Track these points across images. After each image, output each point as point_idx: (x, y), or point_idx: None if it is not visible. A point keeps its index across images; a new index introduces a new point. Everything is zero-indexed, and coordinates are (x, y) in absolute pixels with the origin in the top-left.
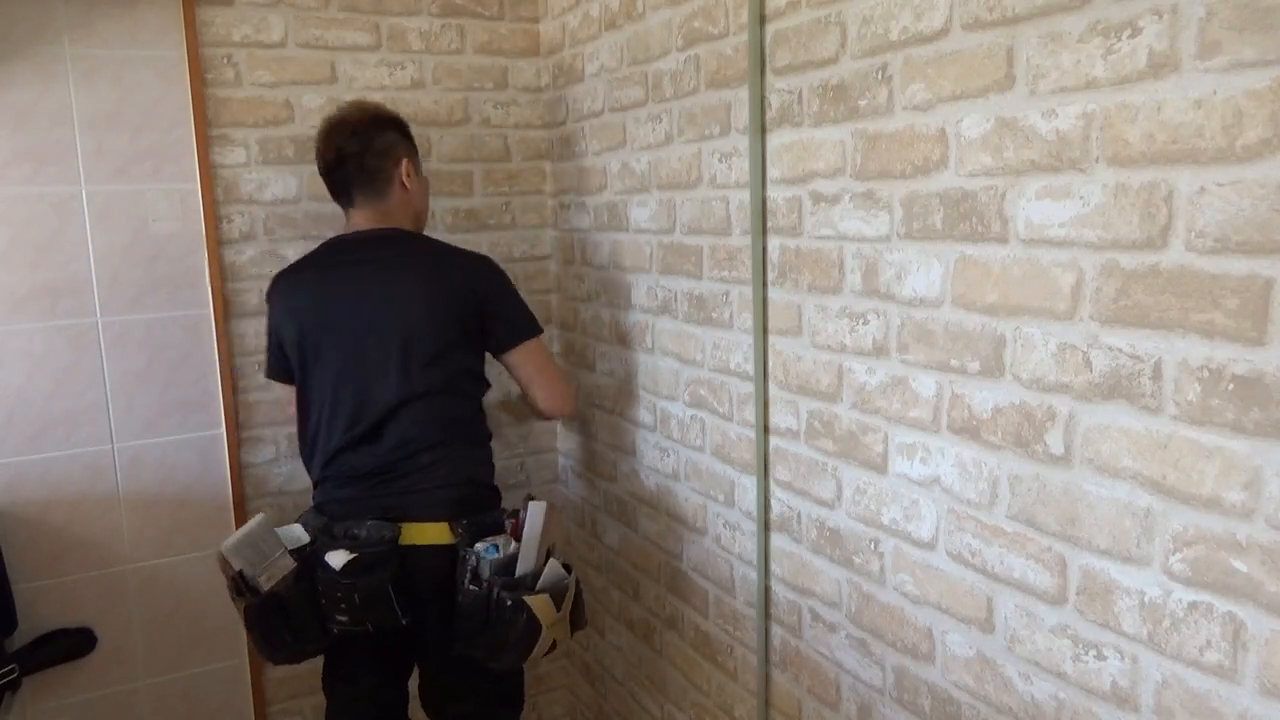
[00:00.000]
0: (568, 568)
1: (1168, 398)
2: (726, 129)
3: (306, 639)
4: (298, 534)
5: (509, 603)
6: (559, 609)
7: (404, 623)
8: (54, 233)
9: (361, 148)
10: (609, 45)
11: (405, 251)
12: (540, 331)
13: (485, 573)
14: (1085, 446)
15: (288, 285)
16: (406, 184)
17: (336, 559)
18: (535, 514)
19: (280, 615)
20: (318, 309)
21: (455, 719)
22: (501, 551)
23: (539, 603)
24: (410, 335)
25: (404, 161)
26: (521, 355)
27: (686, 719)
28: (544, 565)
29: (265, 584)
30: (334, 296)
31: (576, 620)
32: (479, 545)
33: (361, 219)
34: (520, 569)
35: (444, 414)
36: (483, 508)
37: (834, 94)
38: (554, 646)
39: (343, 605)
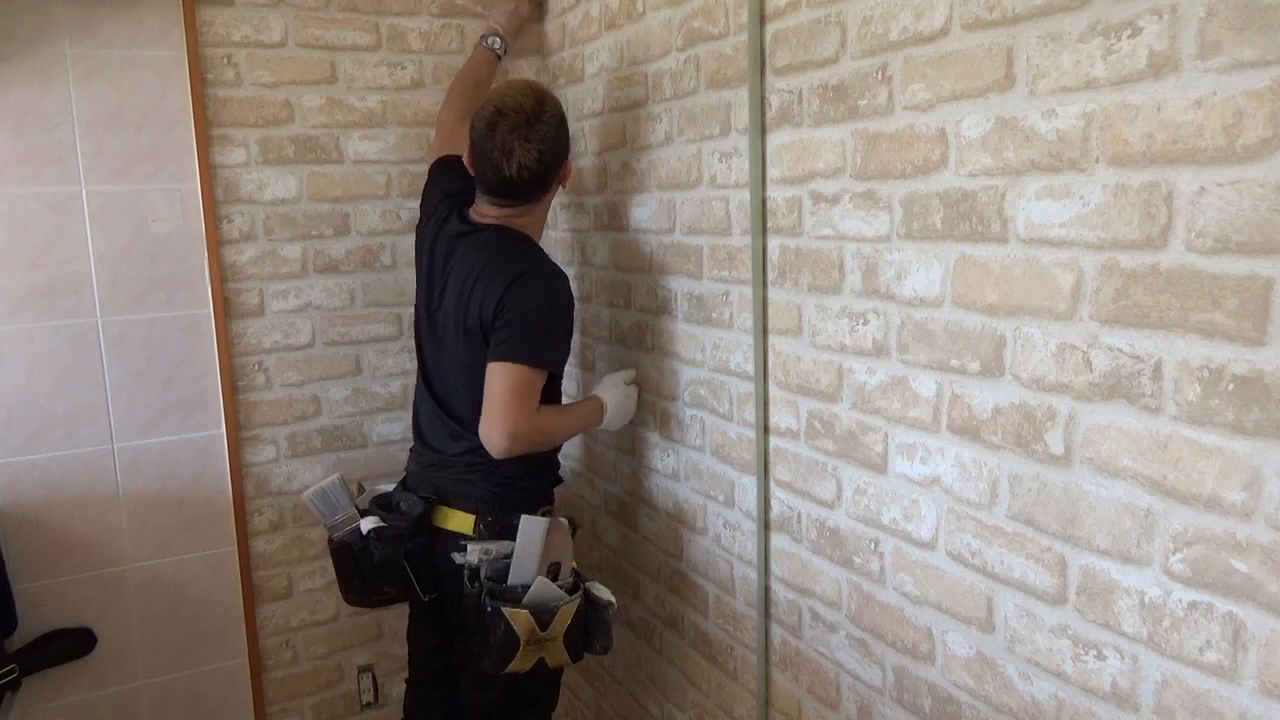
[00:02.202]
0: (589, 591)
1: (1168, 398)
2: (726, 129)
3: (372, 589)
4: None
5: (489, 609)
6: (543, 629)
7: (425, 599)
8: (54, 233)
9: (547, 160)
10: (609, 45)
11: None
12: (531, 364)
13: (484, 573)
14: (1085, 446)
15: (431, 225)
16: (562, 184)
17: (365, 524)
18: (527, 528)
19: (351, 562)
20: (431, 270)
21: (471, 708)
22: (488, 556)
23: (518, 617)
24: (469, 332)
25: (566, 167)
26: (492, 371)
27: (686, 719)
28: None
29: (333, 534)
30: (448, 267)
31: (588, 645)
32: (470, 544)
33: (503, 216)
34: (512, 579)
35: None
36: (515, 508)
37: (834, 94)
38: (542, 665)
39: (369, 570)
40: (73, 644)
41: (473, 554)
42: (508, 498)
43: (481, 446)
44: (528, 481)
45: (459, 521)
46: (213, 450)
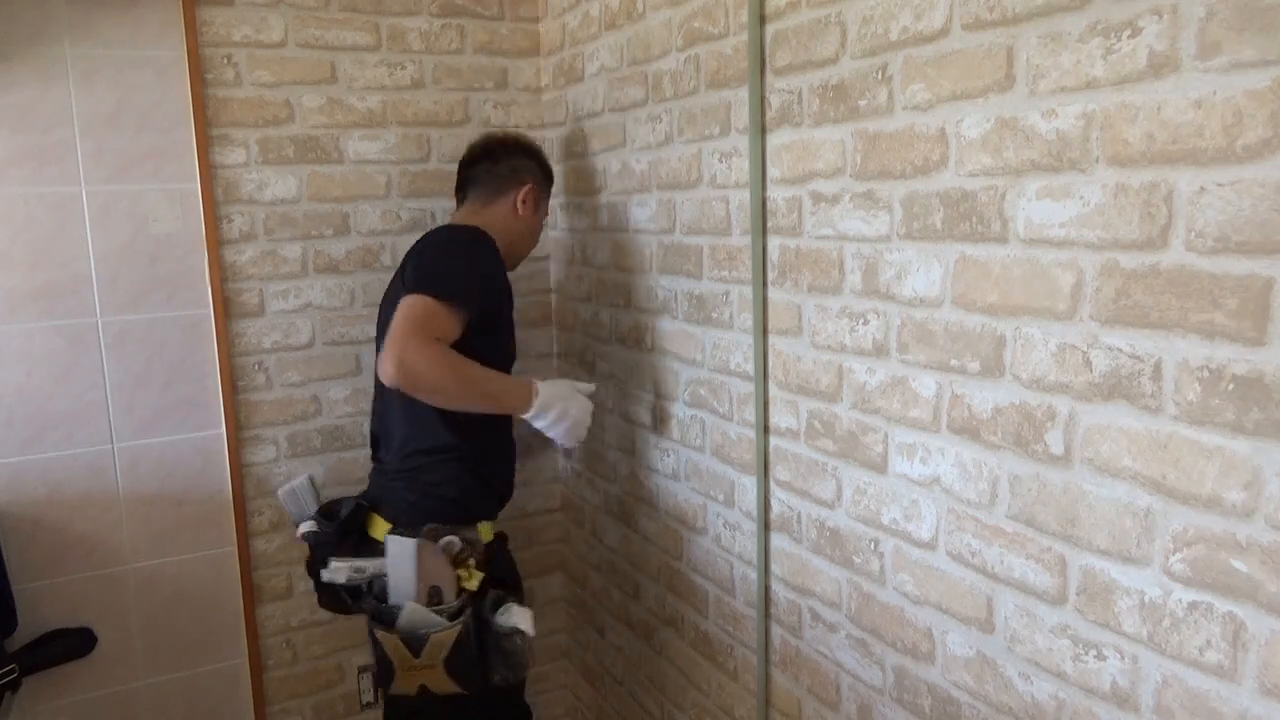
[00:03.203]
0: (492, 619)
1: (1168, 398)
2: (726, 129)
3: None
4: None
5: (369, 629)
6: (416, 655)
7: (351, 606)
8: (54, 233)
9: (500, 157)
10: (609, 45)
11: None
12: (435, 295)
13: (374, 589)
14: (1085, 446)
15: None
16: (519, 208)
17: (302, 528)
18: (393, 548)
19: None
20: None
21: None
22: (361, 574)
23: (389, 641)
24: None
25: (528, 187)
26: (401, 306)
27: (686, 719)
28: (421, 604)
29: (298, 533)
30: (392, 280)
31: (485, 675)
32: (334, 561)
33: (458, 218)
34: (391, 600)
35: (419, 417)
36: (433, 519)
37: (834, 94)
38: (424, 692)
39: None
40: (73, 644)
41: (339, 572)
42: (425, 507)
43: (414, 452)
44: (452, 490)
45: (381, 530)
46: (213, 450)
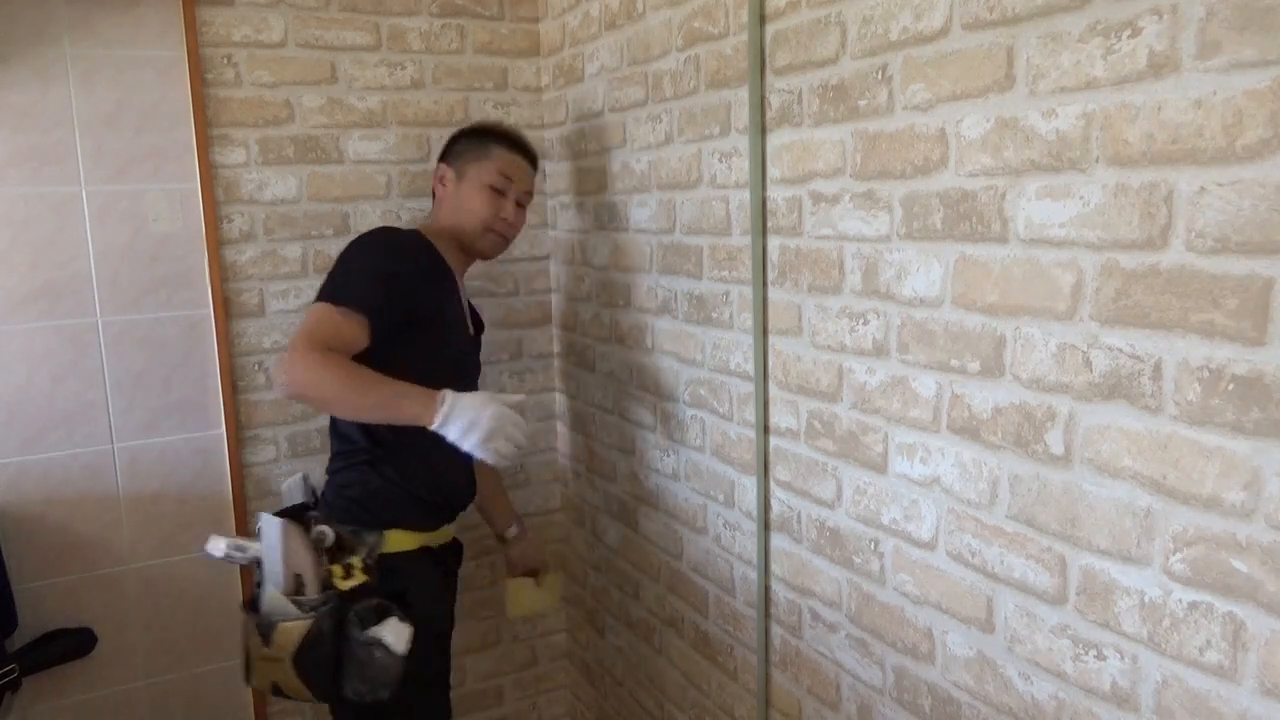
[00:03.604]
0: (351, 625)
1: (1168, 398)
2: (726, 129)
3: None
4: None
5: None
6: (266, 644)
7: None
8: (54, 233)
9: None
10: (609, 45)
11: None
12: (331, 301)
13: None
14: (1085, 446)
15: None
16: (441, 191)
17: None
18: (263, 526)
19: None
20: None
21: None
22: (242, 553)
23: (247, 625)
24: None
25: (441, 165)
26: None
27: (686, 719)
28: (286, 593)
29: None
30: None
31: (339, 683)
32: (214, 536)
33: None
34: (266, 582)
35: (337, 421)
36: (340, 519)
37: (834, 94)
38: (277, 690)
39: None
40: (73, 644)
41: (216, 546)
42: (336, 506)
43: (335, 455)
44: (355, 490)
45: None
46: (213, 450)
